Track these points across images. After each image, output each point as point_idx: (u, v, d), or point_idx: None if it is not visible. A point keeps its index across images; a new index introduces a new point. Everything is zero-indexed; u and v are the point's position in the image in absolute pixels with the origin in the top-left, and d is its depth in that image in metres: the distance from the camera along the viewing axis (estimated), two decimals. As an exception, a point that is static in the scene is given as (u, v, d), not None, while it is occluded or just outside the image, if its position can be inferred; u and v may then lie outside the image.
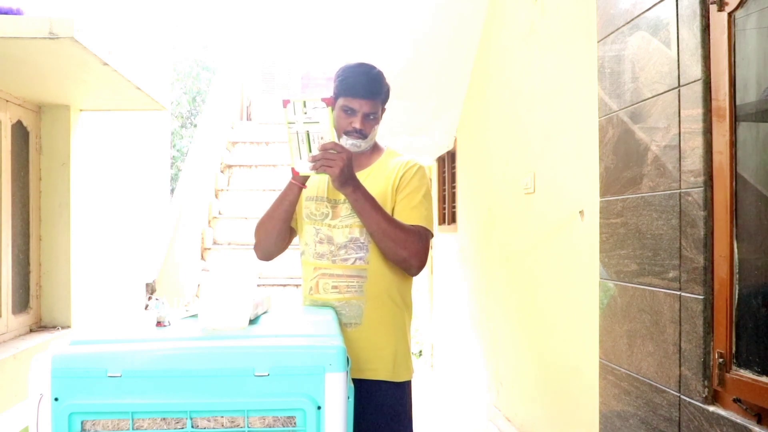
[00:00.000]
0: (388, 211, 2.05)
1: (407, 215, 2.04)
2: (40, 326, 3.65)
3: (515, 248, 3.65)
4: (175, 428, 1.41)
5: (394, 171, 2.08)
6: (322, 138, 1.88)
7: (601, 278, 2.29)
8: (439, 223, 6.01)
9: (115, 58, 2.82)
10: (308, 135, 1.88)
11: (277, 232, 2.11)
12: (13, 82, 3.16)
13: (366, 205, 1.96)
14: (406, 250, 2.00)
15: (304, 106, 1.84)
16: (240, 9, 12.59)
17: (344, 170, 1.88)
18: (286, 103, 1.86)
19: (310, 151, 1.90)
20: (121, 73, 2.94)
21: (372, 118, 2.08)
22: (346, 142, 2.06)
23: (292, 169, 1.98)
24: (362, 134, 2.07)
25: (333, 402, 1.43)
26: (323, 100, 1.82)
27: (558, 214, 2.98)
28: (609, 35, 2.31)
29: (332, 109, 1.85)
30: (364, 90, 2.05)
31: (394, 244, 1.99)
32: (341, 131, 2.07)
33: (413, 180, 2.07)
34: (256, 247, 2.18)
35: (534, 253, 3.31)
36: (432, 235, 2.09)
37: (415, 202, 2.05)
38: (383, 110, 2.16)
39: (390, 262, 2.04)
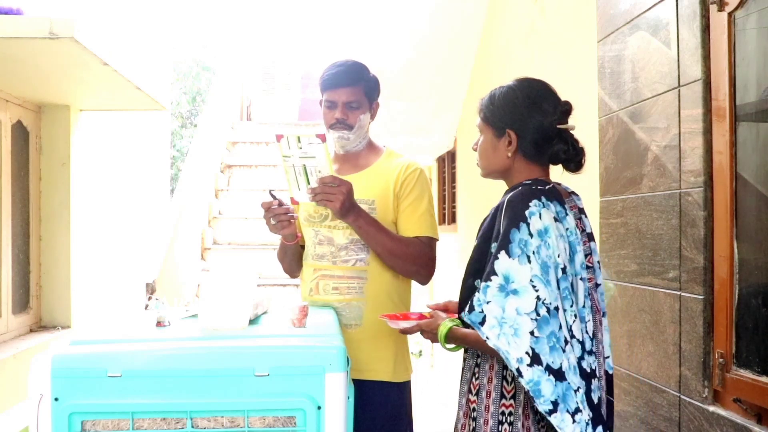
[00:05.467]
0: (390, 214, 2.05)
1: (413, 225, 2.05)
2: (40, 326, 3.65)
3: (515, 248, 3.64)
4: (175, 428, 1.41)
5: (395, 174, 2.06)
6: (320, 171, 1.88)
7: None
8: (439, 223, 6.00)
9: (115, 58, 2.82)
10: (305, 168, 1.89)
11: (295, 264, 2.22)
12: (13, 82, 3.16)
13: (370, 229, 1.97)
14: (414, 264, 2.04)
15: (299, 141, 1.83)
16: (240, 9, 12.60)
17: (345, 203, 1.89)
18: (279, 137, 1.85)
19: (308, 183, 1.91)
20: (121, 73, 2.94)
21: (354, 107, 2.06)
22: (333, 137, 2.06)
23: (291, 199, 2.00)
24: (345, 124, 2.05)
25: (333, 402, 1.43)
26: (318, 136, 1.81)
27: (558, 214, 2.97)
28: (609, 35, 2.31)
29: (326, 145, 1.84)
30: (338, 79, 2.04)
31: (403, 261, 2.02)
32: (327, 128, 2.07)
33: (416, 187, 2.06)
34: (284, 272, 2.29)
35: (534, 253, 3.30)
36: (437, 240, 2.10)
37: (420, 211, 2.05)
38: (377, 105, 2.14)
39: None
